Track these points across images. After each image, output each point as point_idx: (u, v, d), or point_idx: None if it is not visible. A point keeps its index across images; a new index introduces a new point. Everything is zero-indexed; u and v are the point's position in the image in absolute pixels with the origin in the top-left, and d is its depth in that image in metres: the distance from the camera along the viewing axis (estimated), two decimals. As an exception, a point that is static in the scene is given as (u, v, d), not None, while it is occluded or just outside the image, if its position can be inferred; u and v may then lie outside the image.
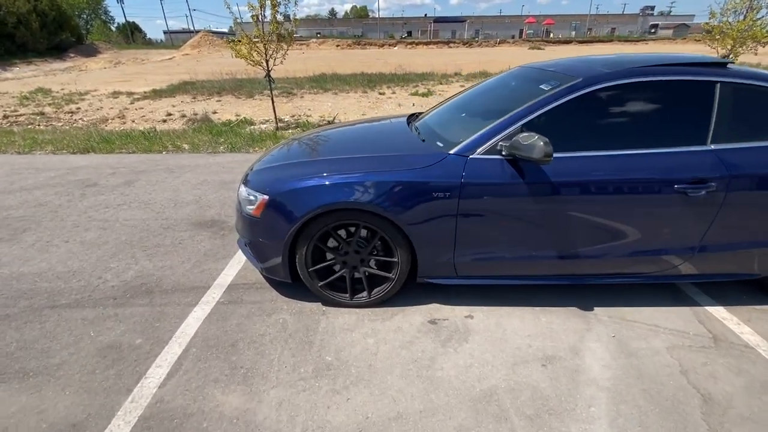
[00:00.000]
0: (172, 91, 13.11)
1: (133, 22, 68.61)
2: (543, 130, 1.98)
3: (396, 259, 2.27)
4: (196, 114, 10.12)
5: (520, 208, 2.12)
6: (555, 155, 1.94)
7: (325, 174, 2.20)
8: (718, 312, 2.36)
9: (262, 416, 1.73)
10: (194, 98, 12.12)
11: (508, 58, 23.74)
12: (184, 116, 10.12)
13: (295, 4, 8.14)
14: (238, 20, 8.70)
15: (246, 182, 2.45)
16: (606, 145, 2.13)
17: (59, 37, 35.22)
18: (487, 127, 2.17)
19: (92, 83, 17.11)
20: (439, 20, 70.61)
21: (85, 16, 58.17)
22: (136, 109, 11.08)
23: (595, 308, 2.40)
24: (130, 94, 13.15)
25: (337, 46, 47.59)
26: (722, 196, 2.06)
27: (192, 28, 70.21)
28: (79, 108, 11.54)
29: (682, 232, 2.16)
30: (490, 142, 2.12)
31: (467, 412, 1.74)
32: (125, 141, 6.96)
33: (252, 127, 8.58)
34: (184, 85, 14.07)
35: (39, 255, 3.12)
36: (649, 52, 3.45)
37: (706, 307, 2.40)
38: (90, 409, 1.77)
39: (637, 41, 42.42)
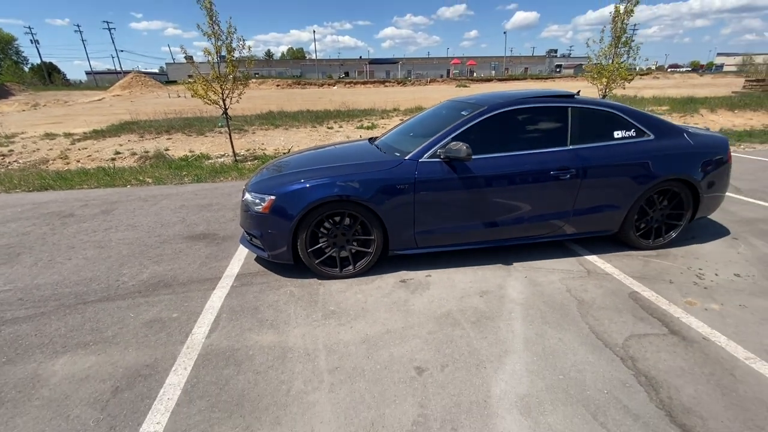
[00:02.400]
0: (115, 130, 13.01)
1: (50, 63, 64.51)
2: (466, 141, 3.00)
3: (373, 237, 3.10)
4: (147, 152, 10.29)
5: (455, 193, 3.09)
6: (474, 156, 2.97)
7: (318, 177, 3.02)
8: (592, 258, 3.48)
9: (292, 342, 2.42)
10: (141, 137, 12.18)
11: (439, 95, 26.34)
12: (134, 154, 10.23)
13: (249, 49, 8.86)
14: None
15: (250, 191, 3.17)
16: (506, 148, 3.20)
17: (-36, 78, 32.31)
18: (430, 141, 3.16)
19: (16, 126, 16.19)
20: (374, 62, 75.57)
21: (-8, 56, 53.66)
22: (79, 150, 10.92)
23: (514, 263, 3.40)
24: (68, 134, 12.82)
25: (278, 85, 48.70)
26: (580, 178, 3.20)
27: (119, 69, 67.42)
28: (11, 150, 11.09)
29: (560, 203, 3.27)
30: (432, 150, 3.10)
31: (433, 324, 2.57)
32: (84, 178, 7.12)
33: (209, 161, 9.04)
34: (126, 125, 13.98)
35: (46, 271, 3.48)
36: (543, 88, 4.77)
37: (585, 256, 3.51)
38: (155, 355, 2.33)
39: (546, 78, 48.83)
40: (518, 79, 52.89)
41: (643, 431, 1.77)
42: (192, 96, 8.71)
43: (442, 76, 62.86)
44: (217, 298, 2.95)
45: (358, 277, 3.20)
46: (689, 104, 14.80)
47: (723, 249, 3.63)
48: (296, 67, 76.23)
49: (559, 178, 3.18)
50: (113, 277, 3.33)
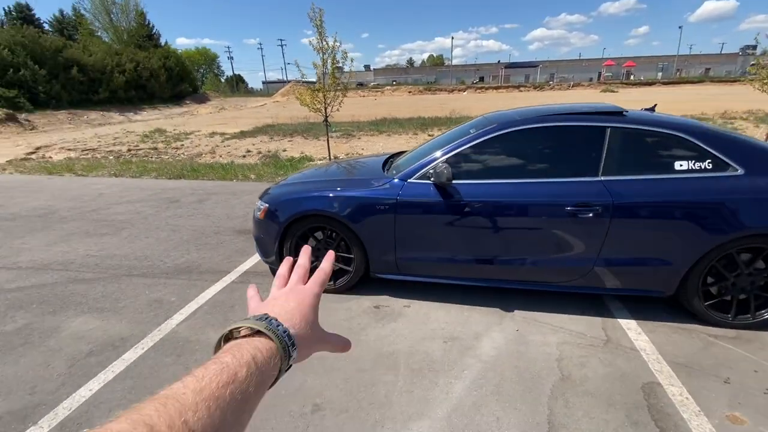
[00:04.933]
0: (255, 132, 15.50)
1: (239, 75, 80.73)
2: (464, 163, 2.69)
3: (353, 256, 3.00)
4: (269, 151, 11.97)
5: (443, 220, 2.76)
6: (472, 181, 2.61)
7: (307, 191, 3.08)
8: (627, 323, 2.66)
9: (233, 347, 2.53)
10: (271, 138, 14.23)
11: (569, 101, 23.46)
12: (259, 153, 12.00)
13: (351, 61, 9.45)
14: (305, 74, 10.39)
15: (260, 197, 3.42)
16: (512, 174, 2.71)
17: (180, 87, 42.72)
18: (424, 160, 2.89)
19: (197, 125, 20.71)
20: (510, 66, 71.71)
21: (201, 70, 69.84)
22: (224, 147, 13.35)
23: (516, 311, 2.85)
24: (222, 134, 15.82)
25: (409, 92, 50.59)
26: (609, 217, 2.49)
27: (286, 78, 79.89)
28: (183, 144, 14.23)
29: (579, 247, 2.60)
30: (423, 170, 2.83)
31: (371, 362, 2.36)
32: (208, 170, 8.70)
33: (311, 162, 9.99)
34: (265, 128, 16.51)
35: (129, 244, 4.40)
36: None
37: (618, 319, 2.71)
38: (134, 331, 2.74)
39: (733, 81, 38.63)
40: (691, 82, 43.24)
41: None
42: (301, 105, 9.79)
43: (591, 80, 55.68)
44: (212, 291, 3.28)
45: (338, 294, 3.14)
46: None
47: None
48: (432, 73, 77.82)
49: (578, 216, 2.52)
50: (161, 257, 4.02)
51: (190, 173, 8.49)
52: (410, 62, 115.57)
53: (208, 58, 71.57)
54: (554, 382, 2.16)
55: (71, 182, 7.95)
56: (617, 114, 2.68)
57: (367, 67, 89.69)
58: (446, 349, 2.45)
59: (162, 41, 47.50)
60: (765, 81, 7.17)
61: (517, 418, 1.94)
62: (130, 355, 2.48)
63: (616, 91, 34.05)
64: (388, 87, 55.86)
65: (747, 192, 2.36)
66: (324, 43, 8.94)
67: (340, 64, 9.39)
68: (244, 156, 11.74)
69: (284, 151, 12.00)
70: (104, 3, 43.88)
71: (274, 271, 3.54)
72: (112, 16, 44.66)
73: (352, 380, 2.21)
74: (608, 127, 2.60)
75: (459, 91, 48.83)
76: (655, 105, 3.15)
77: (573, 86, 46.13)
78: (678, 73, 58.54)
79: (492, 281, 2.86)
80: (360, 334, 2.63)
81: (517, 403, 2.02)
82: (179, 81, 42.94)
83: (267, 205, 3.16)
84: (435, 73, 77.89)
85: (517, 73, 66.83)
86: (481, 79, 68.59)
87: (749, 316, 2.54)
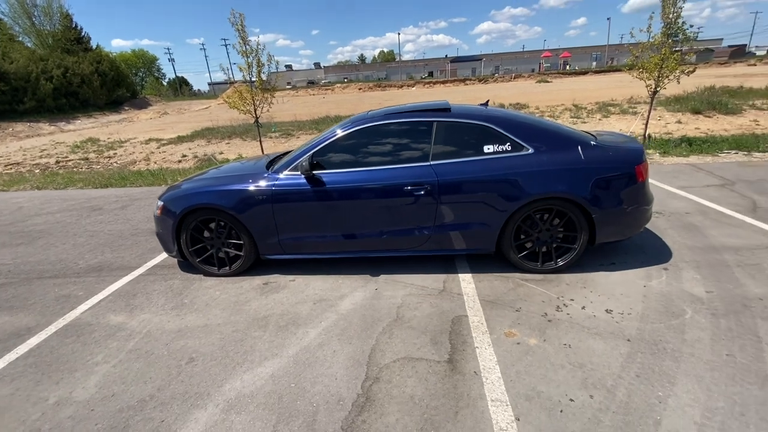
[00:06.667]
0: (193, 136, 15.34)
1: (182, 77, 77.47)
2: (327, 156, 3.25)
3: (243, 242, 3.48)
4: (205, 155, 12.02)
5: (312, 206, 3.29)
6: (333, 171, 3.17)
7: (196, 187, 3.51)
8: (465, 276, 3.33)
9: (130, 325, 2.94)
10: (209, 142, 14.19)
11: (507, 93, 25.00)
12: (195, 157, 12.01)
13: (277, 63, 9.77)
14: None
15: (159, 197, 3.78)
16: (366, 164, 3.28)
17: (116, 93, 40.53)
18: (294, 155, 3.40)
19: (134, 132, 20.03)
20: (456, 60, 74.08)
21: (140, 73, 66.32)
22: (159, 153, 13.17)
23: (382, 275, 3.45)
24: (159, 140, 15.51)
25: (359, 89, 50.94)
26: (437, 194, 3.12)
27: (233, 79, 77.45)
28: (116, 153, 13.87)
29: (419, 219, 3.22)
30: (294, 164, 3.34)
31: (246, 324, 2.86)
32: (137, 178, 8.74)
33: (243, 163, 10.21)
34: (204, 131, 16.34)
35: (43, 251, 4.59)
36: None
37: (459, 274, 3.38)
38: (40, 321, 3.06)
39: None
40: (619, 70, 46.85)
41: (308, 444, 1.86)
42: (230, 107, 9.99)
43: (533, 70, 58.81)
44: (119, 284, 3.63)
45: (235, 276, 3.61)
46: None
47: (635, 280, 3.15)
48: (383, 69, 78.60)
49: (414, 194, 3.15)
50: (75, 260, 4.27)
51: (118, 181, 8.51)
52: (362, 59, 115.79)
53: (146, 61, 68.09)
54: (388, 322, 2.76)
55: (-12, 198, 7.75)
56: (444, 110, 3.33)
57: (317, 64, 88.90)
58: (313, 309, 3.00)
59: (93, 44, 44.65)
60: (640, 69, 8.34)
61: (350, 348, 2.51)
62: (35, 340, 2.82)
63: (550, 82, 36.33)
64: (339, 84, 55.91)
65: (535, 166, 3.08)
66: (247, 46, 9.20)
67: (267, 67, 9.67)
68: (180, 161, 11.74)
69: (221, 153, 12.13)
70: (24, 5, 40.64)
71: (180, 264, 3.94)
72: (33, 19, 41.50)
73: (226, 338, 2.70)
74: (435, 121, 3.24)
75: (408, 86, 49.81)
76: (488, 100, 3.85)
77: (515, 78, 48.52)
78: (609, 62, 63.03)
79: (359, 252, 3.43)
80: (244, 305, 3.12)
81: (354, 339, 2.60)
82: (115, 86, 40.75)
83: (163, 203, 3.55)
84: (385, 69, 78.72)
85: (463, 67, 69.09)
86: (431, 74, 70.22)
87: (552, 262, 3.29)
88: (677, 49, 8.57)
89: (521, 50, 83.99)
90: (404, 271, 3.48)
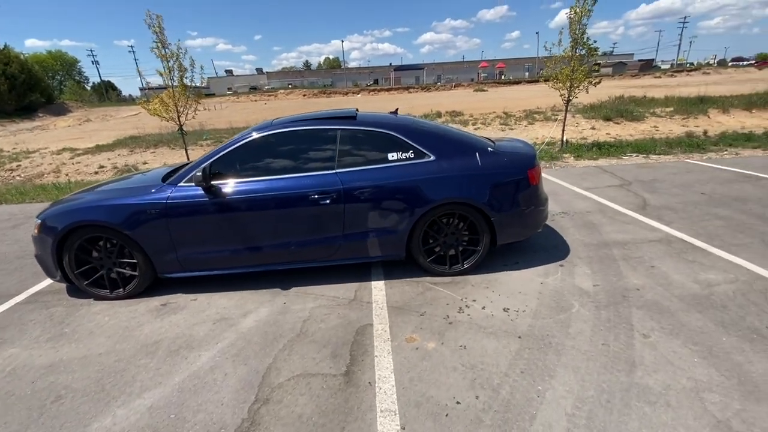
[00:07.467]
0: (114, 145, 14.15)
1: (109, 81, 71.44)
2: (226, 165, 3.10)
3: (136, 261, 3.19)
4: (126, 165, 11.11)
5: (211, 218, 3.10)
6: (232, 180, 3.01)
7: (80, 203, 3.17)
8: (377, 284, 3.32)
9: (-11, 364, 2.56)
10: (132, 151, 13.14)
11: (447, 101, 25.93)
12: (115, 168, 11.07)
13: (201, 68, 9.31)
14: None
15: (37, 216, 3.38)
16: (267, 173, 3.17)
17: (29, 98, 36.47)
18: (191, 165, 3.20)
19: (46, 142, 18.07)
20: (400, 68, 75.87)
21: (58, 77, 60.27)
22: (73, 164, 11.97)
23: (293, 288, 3.33)
24: (74, 150, 14.11)
25: (304, 95, 50.30)
26: (342, 203, 3.09)
27: (170, 83, 72.79)
28: (20, 165, 12.40)
29: (326, 228, 3.16)
30: (190, 174, 3.14)
31: (133, 352, 2.61)
32: (38, 192, 7.85)
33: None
34: (128, 140, 15.13)
35: None
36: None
37: (373, 282, 3.36)
38: None
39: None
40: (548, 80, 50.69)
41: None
42: (150, 114, 9.32)
43: (472, 80, 61.74)
44: (-11, 315, 3.17)
45: (131, 299, 3.30)
46: (698, 105, 13.47)
47: (533, 277, 3.32)
48: (328, 76, 78.30)
49: (320, 203, 3.08)
50: (-61, 290, 3.68)
51: (15, 197, 7.58)
52: (307, 65, 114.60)
53: (65, 63, 61.93)
54: (290, 338, 2.66)
55: None
56: (349, 118, 3.32)
57: (259, 70, 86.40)
58: (211, 329, 2.81)
59: (1, 44, 39.86)
60: (554, 79, 9.02)
61: (244, 370, 2.37)
62: None
63: (487, 90, 38.35)
64: (282, 90, 54.79)
65: (436, 173, 3.15)
66: (167, 50, 8.68)
67: (190, 71, 9.18)
68: (96, 173, 10.78)
69: (145, 163, 11.28)
70: None
71: (69, 289, 3.54)
72: None
73: (105, 370, 2.44)
74: (339, 129, 3.22)
75: (353, 93, 50.03)
76: (397, 109, 3.92)
77: (455, 86, 50.58)
78: (539, 73, 67.91)
79: (266, 266, 3.30)
80: (134, 330, 2.85)
81: (250, 359, 2.46)
82: (27, 90, 36.69)
83: (40, 221, 3.17)
84: (331, 76, 78.47)
85: (407, 75, 70.83)
86: (376, 81, 71.14)
87: (459, 265, 3.38)
88: (596, 62, 9.40)
89: (461, 60, 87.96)
90: (317, 282, 3.39)
